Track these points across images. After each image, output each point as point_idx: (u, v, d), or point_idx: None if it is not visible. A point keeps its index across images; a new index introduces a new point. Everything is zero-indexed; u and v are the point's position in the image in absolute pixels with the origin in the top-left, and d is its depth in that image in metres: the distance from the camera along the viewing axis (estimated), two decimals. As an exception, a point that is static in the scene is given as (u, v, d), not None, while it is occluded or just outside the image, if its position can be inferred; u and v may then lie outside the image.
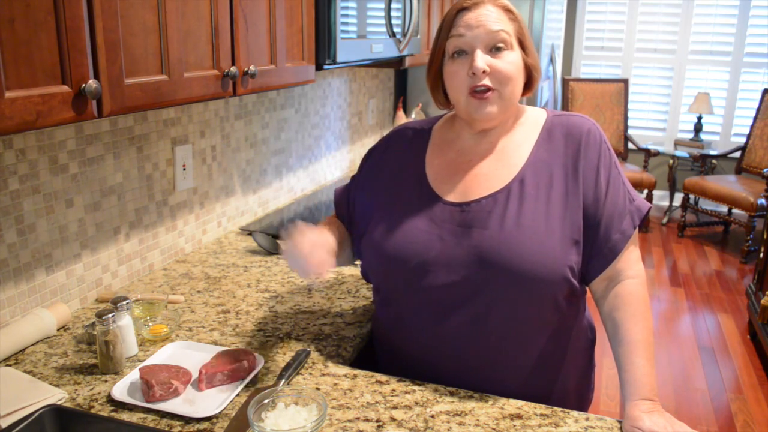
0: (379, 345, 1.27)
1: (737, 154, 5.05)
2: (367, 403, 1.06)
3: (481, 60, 1.08)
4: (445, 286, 1.08)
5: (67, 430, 0.94)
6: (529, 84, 1.16)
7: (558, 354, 1.15)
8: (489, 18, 1.09)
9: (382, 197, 1.21)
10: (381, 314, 1.23)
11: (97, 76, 0.95)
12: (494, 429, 1.00)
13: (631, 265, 1.10)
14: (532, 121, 1.18)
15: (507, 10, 1.12)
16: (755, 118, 4.72)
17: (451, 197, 1.13)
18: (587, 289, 1.16)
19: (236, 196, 1.99)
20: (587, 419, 1.03)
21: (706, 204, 5.23)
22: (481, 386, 1.11)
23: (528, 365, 1.12)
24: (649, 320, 1.08)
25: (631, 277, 1.10)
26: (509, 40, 1.10)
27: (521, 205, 1.08)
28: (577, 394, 1.23)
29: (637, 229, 1.11)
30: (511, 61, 1.09)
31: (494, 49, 1.09)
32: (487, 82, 1.08)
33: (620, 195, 1.10)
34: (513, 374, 1.12)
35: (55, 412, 0.94)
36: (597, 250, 1.09)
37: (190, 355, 1.19)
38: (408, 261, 1.10)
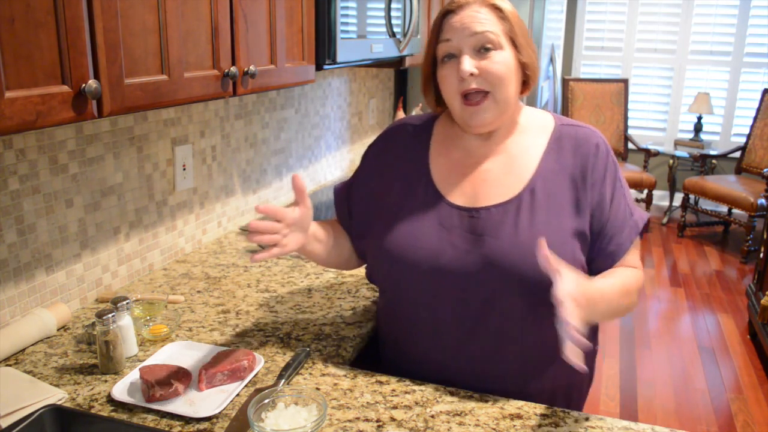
0: (384, 345, 1.27)
1: (737, 154, 5.04)
2: (367, 403, 1.06)
3: (468, 63, 1.06)
4: (455, 291, 1.08)
5: (67, 430, 0.94)
6: (526, 82, 1.14)
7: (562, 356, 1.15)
8: (474, 19, 1.07)
9: (385, 197, 1.19)
10: (387, 316, 1.23)
11: (97, 76, 0.95)
12: (494, 429, 1.00)
13: (630, 266, 1.14)
14: (539, 125, 1.17)
15: (496, 9, 1.09)
16: (755, 118, 4.72)
17: (459, 201, 1.13)
18: None
19: (236, 196, 1.99)
20: (587, 419, 1.03)
21: (706, 204, 5.23)
22: (482, 385, 1.11)
23: (531, 367, 1.12)
24: (633, 296, 1.11)
25: (629, 267, 1.13)
26: (497, 40, 1.07)
27: (533, 216, 1.08)
28: (576, 397, 1.23)
29: (638, 238, 1.14)
30: (500, 61, 1.07)
31: (482, 50, 1.07)
32: (476, 84, 1.07)
33: (621, 209, 1.12)
34: (516, 375, 1.12)
35: (55, 412, 0.94)
36: (595, 259, 1.12)
37: (190, 355, 1.19)
38: (418, 266, 1.09)
